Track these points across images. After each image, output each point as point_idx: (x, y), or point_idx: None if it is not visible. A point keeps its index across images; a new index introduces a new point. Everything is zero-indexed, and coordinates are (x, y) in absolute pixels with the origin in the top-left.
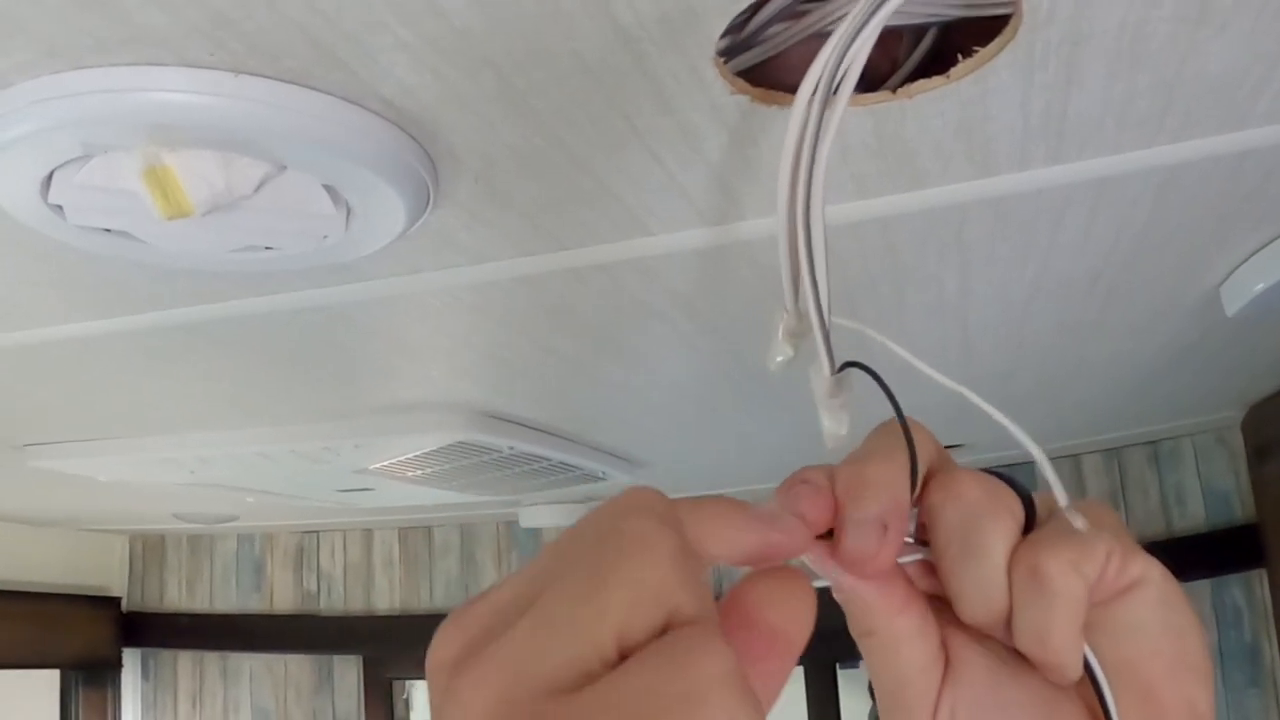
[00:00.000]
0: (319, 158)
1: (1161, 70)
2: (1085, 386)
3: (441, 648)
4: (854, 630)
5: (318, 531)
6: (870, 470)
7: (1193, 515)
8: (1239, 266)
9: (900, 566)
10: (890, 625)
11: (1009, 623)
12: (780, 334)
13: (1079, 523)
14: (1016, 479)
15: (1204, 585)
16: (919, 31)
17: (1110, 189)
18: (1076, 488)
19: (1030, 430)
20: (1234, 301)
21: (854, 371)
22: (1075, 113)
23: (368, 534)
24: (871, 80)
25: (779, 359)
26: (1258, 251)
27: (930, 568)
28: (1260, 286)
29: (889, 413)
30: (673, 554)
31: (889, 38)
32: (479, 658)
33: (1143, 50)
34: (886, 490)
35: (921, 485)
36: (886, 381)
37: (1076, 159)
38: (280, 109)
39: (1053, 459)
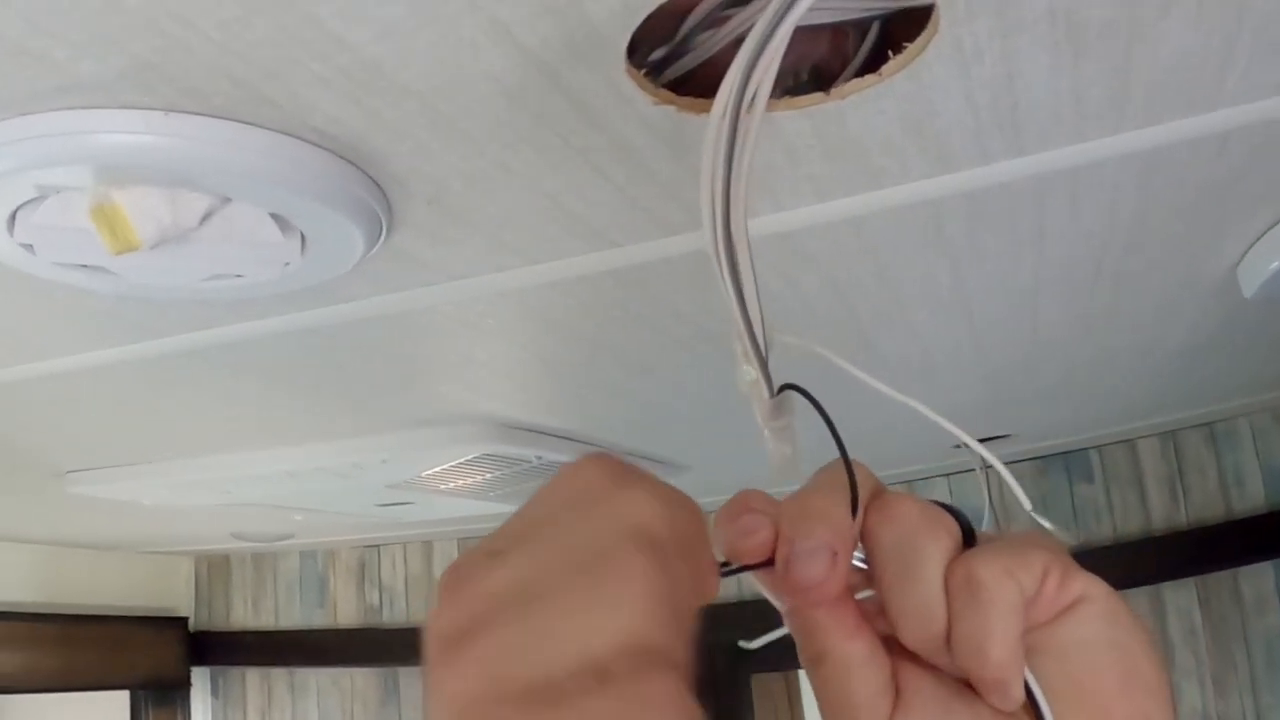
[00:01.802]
0: (259, 189)
1: (1108, 57)
2: (1117, 375)
3: (442, 617)
4: (804, 657)
5: (378, 545)
6: (814, 502)
7: (1252, 496)
8: (1252, 246)
9: (850, 592)
10: (842, 649)
11: (950, 643)
12: (739, 355)
13: (1044, 522)
14: (959, 509)
15: (1266, 567)
16: (865, 28)
17: (1086, 177)
18: (1133, 472)
19: (1072, 418)
20: (1251, 282)
21: (795, 393)
22: (1026, 104)
23: (427, 546)
24: (826, 79)
25: (747, 380)
26: (1269, 230)
27: (881, 608)
28: (1276, 265)
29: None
30: (661, 597)
31: (838, 36)
32: (468, 647)
33: (1081, 39)
34: (830, 520)
35: (862, 515)
36: (913, 384)
37: (1039, 150)
38: (214, 144)
39: (1108, 445)
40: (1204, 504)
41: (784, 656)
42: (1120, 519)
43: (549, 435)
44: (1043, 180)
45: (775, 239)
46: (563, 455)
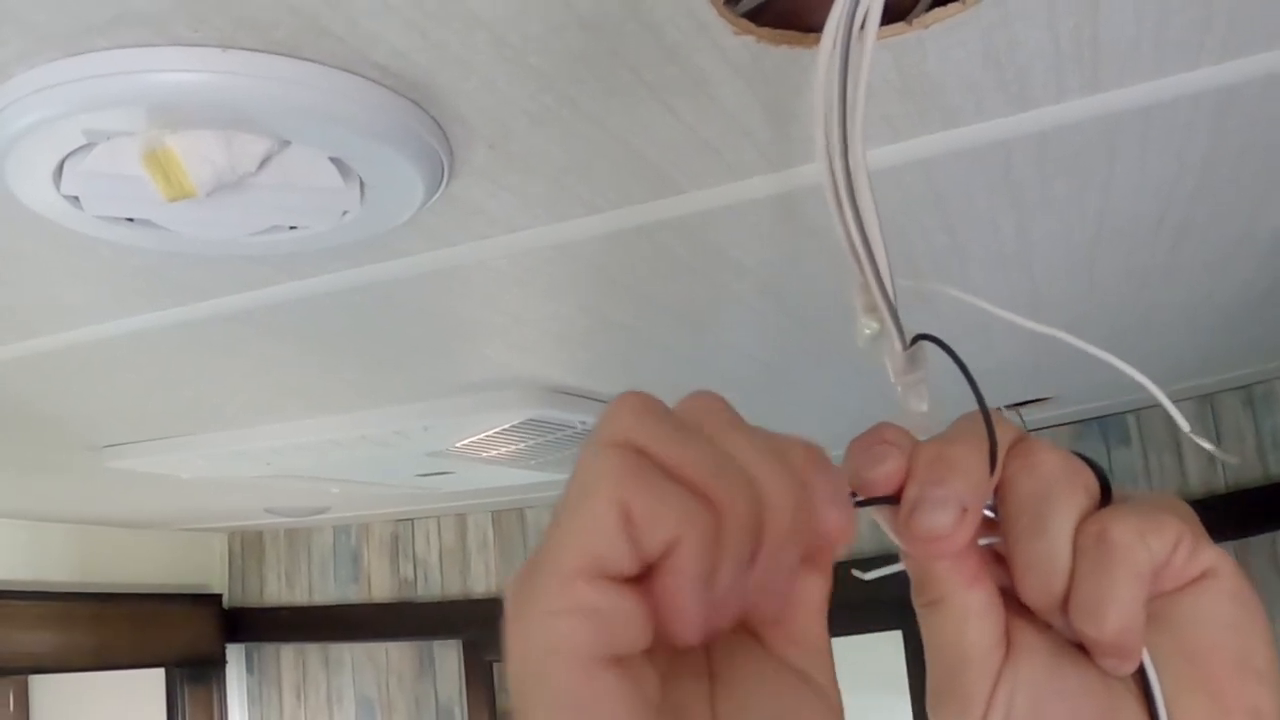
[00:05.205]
0: (320, 130)
1: None
2: (1165, 332)
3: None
4: (919, 600)
5: (412, 519)
6: (952, 450)
7: None
8: None
9: (974, 539)
10: (959, 597)
11: (1067, 607)
12: (859, 308)
13: (1205, 444)
14: (1099, 464)
15: None
16: None
17: (1159, 117)
18: (1171, 436)
19: (1114, 381)
20: None
21: (929, 344)
22: (1108, 36)
23: (461, 519)
24: (894, 13)
25: (866, 333)
26: None
27: (998, 558)
28: None
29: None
30: (616, 499)
31: None
32: (517, 593)
33: None
34: (967, 472)
35: (1000, 467)
36: (964, 342)
37: (1116, 86)
38: (273, 81)
39: (1143, 409)
40: (1242, 467)
41: None
42: (1158, 483)
43: (594, 400)
44: (1116, 121)
45: None
46: None
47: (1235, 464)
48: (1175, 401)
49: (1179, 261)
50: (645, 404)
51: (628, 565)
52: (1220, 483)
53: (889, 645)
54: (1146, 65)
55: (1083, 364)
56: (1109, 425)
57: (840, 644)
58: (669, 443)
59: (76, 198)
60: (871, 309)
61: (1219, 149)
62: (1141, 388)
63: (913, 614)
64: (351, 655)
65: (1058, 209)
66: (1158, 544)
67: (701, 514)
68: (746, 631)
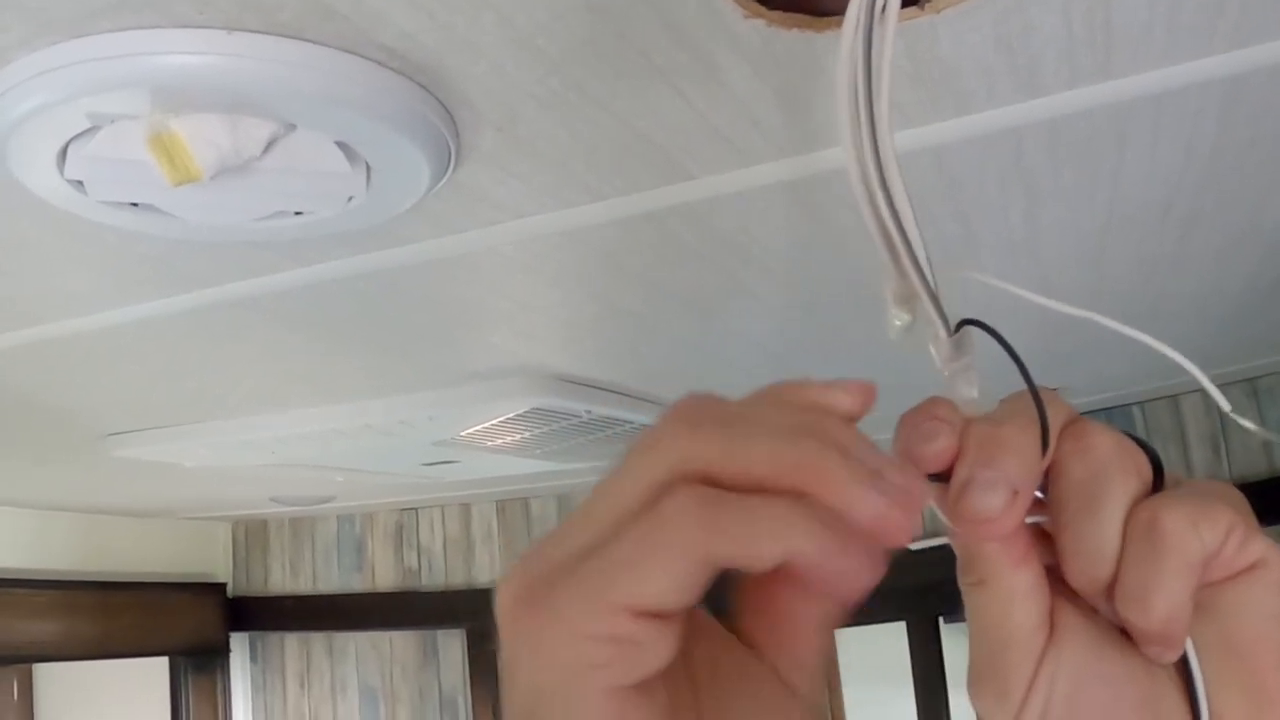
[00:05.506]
0: (325, 113)
1: None
2: (1174, 322)
3: (509, 586)
4: (964, 579)
5: (416, 508)
6: (1005, 431)
7: None
8: None
9: (1023, 521)
10: (1005, 578)
11: (1113, 592)
12: (890, 299)
13: (1248, 424)
14: (1152, 447)
15: None
16: None
17: (1170, 104)
18: (1176, 428)
19: (1122, 371)
20: None
21: (973, 329)
22: (1121, 21)
23: (465, 508)
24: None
25: (897, 325)
26: None
27: (1045, 536)
28: None
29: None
30: (678, 547)
31: None
32: (539, 603)
33: None
34: (1019, 453)
35: (1052, 449)
36: (974, 331)
37: (1129, 73)
38: (279, 64)
39: (1150, 401)
40: (1246, 460)
41: None
42: None
43: (600, 389)
44: (1127, 108)
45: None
46: (613, 410)
47: (1278, 442)
48: (1183, 394)
49: (1187, 251)
50: (699, 410)
51: (685, 606)
52: (1225, 475)
53: (893, 636)
54: (1159, 51)
55: (1095, 353)
56: (1114, 417)
57: (845, 635)
58: (733, 449)
59: (81, 182)
60: (903, 300)
61: (1227, 138)
62: (1148, 378)
63: (916, 605)
64: (355, 644)
65: (1068, 197)
66: (1210, 534)
67: (799, 515)
68: (732, 633)
